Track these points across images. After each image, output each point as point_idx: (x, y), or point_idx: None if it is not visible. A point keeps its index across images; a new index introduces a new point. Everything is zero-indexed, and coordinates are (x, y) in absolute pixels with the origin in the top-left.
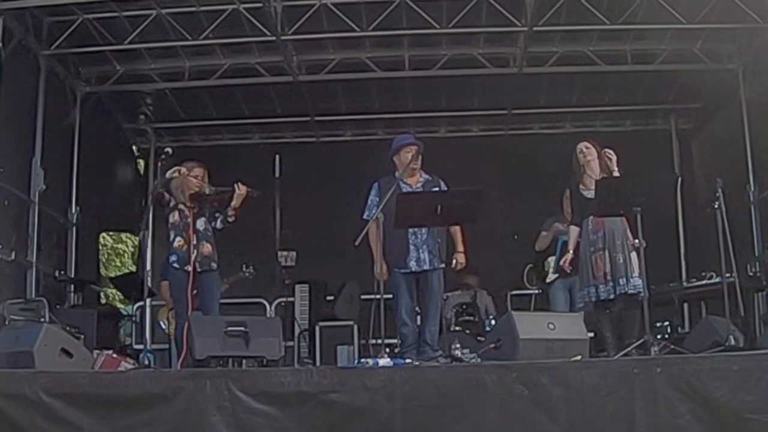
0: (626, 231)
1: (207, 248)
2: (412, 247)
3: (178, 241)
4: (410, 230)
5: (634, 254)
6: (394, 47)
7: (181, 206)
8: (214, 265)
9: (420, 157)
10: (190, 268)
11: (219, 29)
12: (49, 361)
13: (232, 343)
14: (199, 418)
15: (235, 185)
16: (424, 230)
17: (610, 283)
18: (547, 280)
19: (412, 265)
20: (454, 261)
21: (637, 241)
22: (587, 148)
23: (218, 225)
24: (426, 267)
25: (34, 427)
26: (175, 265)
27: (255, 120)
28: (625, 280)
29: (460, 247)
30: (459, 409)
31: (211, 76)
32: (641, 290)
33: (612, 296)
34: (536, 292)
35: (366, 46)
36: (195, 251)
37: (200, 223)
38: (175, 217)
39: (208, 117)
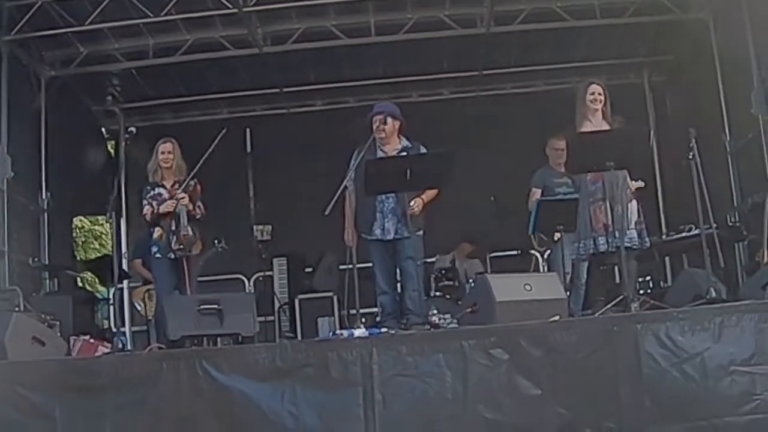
0: (626, 179)
1: (183, 229)
2: (378, 214)
3: (157, 231)
4: (378, 197)
5: (633, 203)
6: (359, 13)
7: (159, 189)
8: (195, 251)
9: (387, 127)
10: (173, 256)
11: (180, 4)
12: (21, 351)
13: (206, 322)
14: (174, 400)
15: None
16: (391, 198)
17: (610, 236)
18: (555, 238)
19: (378, 232)
20: (413, 202)
21: (635, 184)
22: (600, 94)
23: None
24: (390, 237)
25: (5, 419)
26: (158, 255)
27: (224, 95)
28: (624, 232)
29: (424, 195)
30: (437, 377)
31: (175, 53)
32: (635, 244)
33: (609, 249)
34: (540, 250)
35: (330, 14)
36: (174, 237)
37: (179, 208)
38: (154, 203)
39: (177, 94)
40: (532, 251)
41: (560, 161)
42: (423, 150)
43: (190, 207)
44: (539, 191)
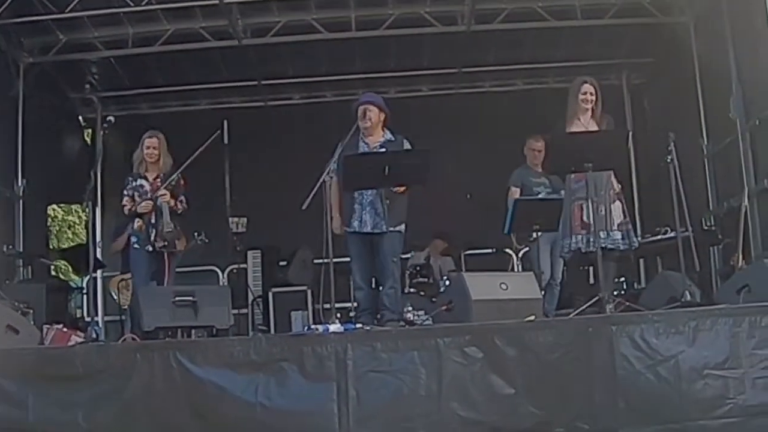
0: (610, 179)
1: (165, 224)
2: (357, 206)
3: (137, 222)
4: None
5: (617, 204)
6: (340, 8)
7: (141, 181)
8: (179, 246)
9: (373, 116)
10: (151, 248)
11: None
12: None
13: (180, 314)
14: (148, 392)
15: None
16: (369, 191)
17: (591, 236)
18: (532, 238)
19: (356, 225)
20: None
21: (618, 186)
22: (592, 94)
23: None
24: (367, 230)
25: None
26: (136, 245)
27: (202, 86)
28: (605, 233)
29: None
30: (412, 374)
31: (155, 43)
32: (619, 245)
33: (590, 248)
34: (519, 248)
35: (311, 8)
36: (154, 230)
37: (159, 198)
38: (135, 194)
39: (155, 84)
40: (507, 250)
41: (537, 162)
42: (406, 143)
43: (172, 203)
44: (518, 190)
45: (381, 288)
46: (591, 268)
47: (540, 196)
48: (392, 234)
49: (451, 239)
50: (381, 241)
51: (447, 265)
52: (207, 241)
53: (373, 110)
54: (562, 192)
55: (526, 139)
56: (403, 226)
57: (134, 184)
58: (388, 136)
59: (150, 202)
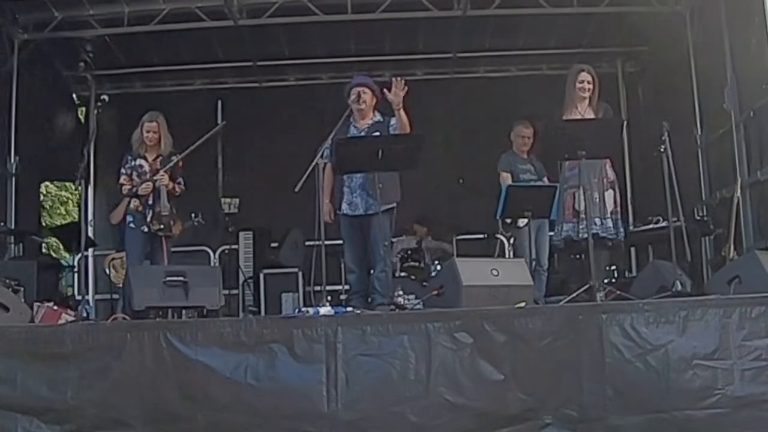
0: (605, 168)
1: (163, 208)
2: (346, 190)
3: (134, 203)
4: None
5: (610, 192)
6: None
7: (140, 161)
8: (175, 231)
9: (367, 98)
10: (146, 229)
11: None
12: None
13: (171, 294)
14: (137, 371)
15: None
16: (359, 174)
17: (583, 223)
18: (519, 225)
19: (345, 208)
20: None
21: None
22: (589, 82)
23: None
24: (359, 212)
25: None
26: (131, 225)
27: (196, 66)
28: (599, 220)
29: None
30: (401, 358)
31: (150, 22)
32: (611, 234)
33: (582, 236)
34: (506, 235)
35: None
36: (151, 211)
37: (158, 181)
38: (134, 174)
39: (149, 63)
40: (498, 235)
41: (524, 148)
42: (393, 120)
43: (170, 186)
44: (509, 175)
45: (372, 271)
46: (582, 256)
47: (525, 181)
48: (383, 215)
49: (433, 224)
50: (372, 223)
51: (439, 252)
52: (203, 222)
53: (367, 92)
54: (545, 179)
55: (514, 123)
56: (394, 205)
57: (133, 163)
58: (378, 117)
59: (150, 183)
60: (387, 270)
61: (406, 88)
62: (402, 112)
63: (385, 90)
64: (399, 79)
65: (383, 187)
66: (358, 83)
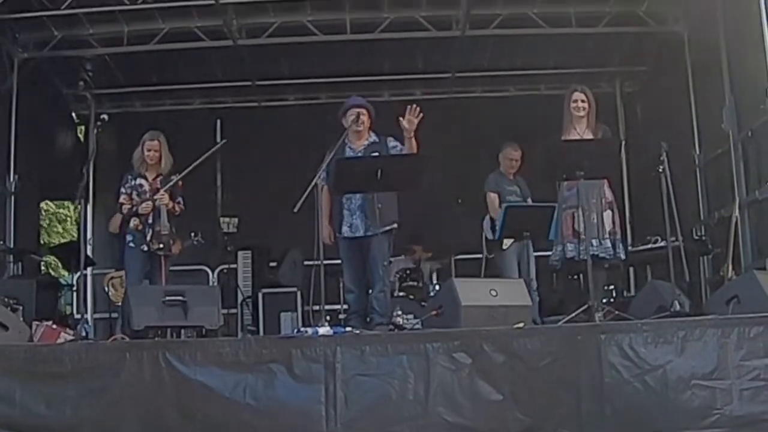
0: (603, 188)
1: (163, 227)
2: (345, 212)
3: (134, 222)
4: (345, 195)
5: (608, 213)
6: (336, 10)
7: (140, 180)
8: (175, 251)
9: (365, 120)
10: (146, 248)
11: None
12: None
13: (170, 313)
14: (136, 391)
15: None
16: (358, 195)
17: (582, 244)
18: (504, 247)
19: (345, 230)
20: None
21: (611, 195)
22: (582, 101)
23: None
24: (359, 234)
25: None
26: (131, 244)
27: (196, 85)
28: (597, 241)
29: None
30: (400, 378)
31: (150, 41)
32: (610, 255)
33: (581, 256)
34: (488, 256)
35: (307, 9)
36: (151, 231)
37: (158, 200)
38: (133, 193)
39: (149, 82)
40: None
41: (512, 170)
42: (392, 141)
43: (170, 205)
44: (496, 196)
45: (370, 291)
46: (580, 276)
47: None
48: (382, 236)
49: (426, 244)
50: (371, 244)
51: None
52: (203, 242)
53: (365, 114)
54: (529, 199)
55: (503, 145)
56: (394, 226)
57: (133, 183)
58: (373, 138)
59: (150, 203)
60: (385, 290)
61: (421, 115)
62: (413, 139)
63: (400, 118)
64: (414, 106)
65: (382, 209)
66: (356, 104)
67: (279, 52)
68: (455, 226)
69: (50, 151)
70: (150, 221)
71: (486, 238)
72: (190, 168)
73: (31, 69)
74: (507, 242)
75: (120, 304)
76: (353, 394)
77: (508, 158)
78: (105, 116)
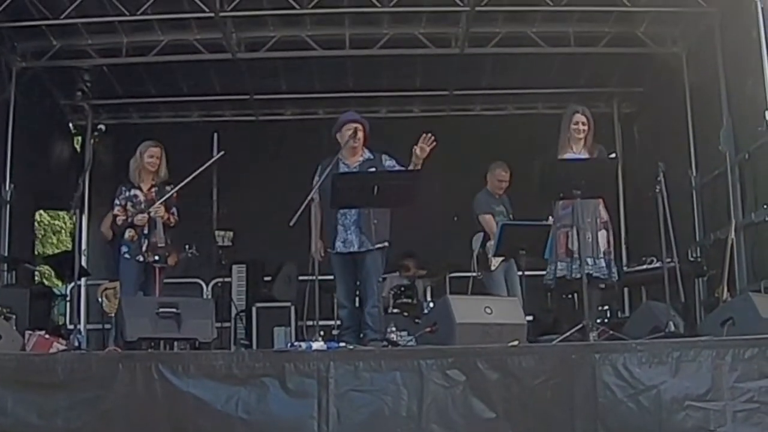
0: (598, 208)
1: (159, 239)
2: (340, 228)
3: (129, 233)
4: (340, 210)
5: (603, 233)
6: (335, 25)
7: (135, 191)
8: (171, 262)
9: (361, 135)
10: (141, 259)
11: (157, 5)
12: None
13: (163, 325)
14: (128, 402)
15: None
16: (353, 210)
17: (576, 262)
18: (492, 268)
19: (339, 246)
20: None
21: (606, 215)
22: (584, 124)
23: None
24: (353, 249)
25: None
26: (126, 256)
27: (194, 98)
28: (592, 260)
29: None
30: (393, 394)
31: (149, 53)
32: (605, 275)
33: (575, 275)
34: (476, 275)
35: (306, 24)
36: (146, 241)
37: (154, 211)
38: (128, 204)
39: (147, 94)
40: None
41: (499, 191)
42: (387, 158)
43: (166, 217)
44: (491, 216)
45: (364, 307)
46: (574, 295)
47: (499, 220)
48: (375, 252)
49: (423, 261)
50: (364, 260)
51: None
52: (198, 254)
53: (361, 130)
54: (510, 216)
55: (492, 165)
56: (386, 244)
57: (128, 194)
58: (368, 154)
59: (146, 215)
60: (378, 306)
61: (435, 143)
62: (419, 166)
63: (414, 147)
64: (429, 135)
65: (377, 225)
66: (352, 119)
67: (278, 66)
68: (450, 244)
69: (46, 161)
70: (145, 232)
71: (476, 257)
72: (188, 179)
73: (28, 78)
74: (495, 262)
75: (113, 315)
76: (346, 409)
77: (497, 178)
78: (102, 126)
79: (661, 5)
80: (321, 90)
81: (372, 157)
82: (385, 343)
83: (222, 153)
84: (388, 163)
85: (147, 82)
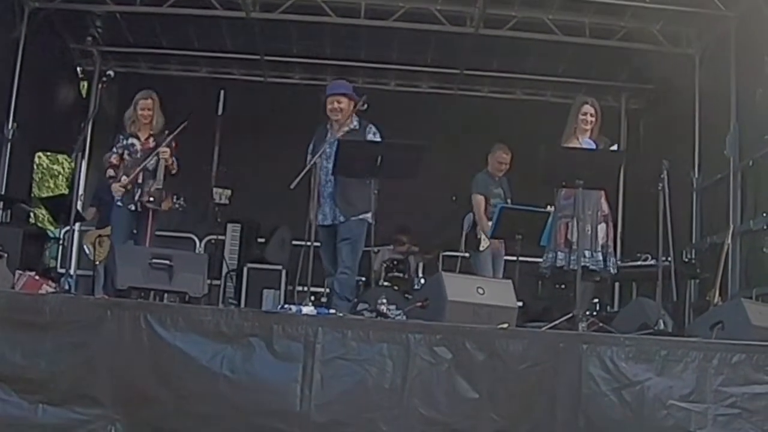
0: (600, 201)
1: (157, 182)
2: (322, 200)
3: (124, 180)
4: (323, 182)
5: (602, 226)
6: None
7: (132, 140)
8: (164, 206)
9: (345, 108)
10: (133, 207)
11: None
12: None
13: (155, 276)
14: (113, 350)
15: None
16: (330, 183)
17: (573, 253)
18: (481, 248)
19: (320, 218)
20: None
21: (607, 208)
22: (592, 115)
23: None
24: (327, 222)
25: None
26: (119, 203)
27: (203, 53)
28: (590, 253)
29: None
30: (379, 366)
31: (163, 3)
32: (600, 267)
33: (571, 266)
34: (465, 255)
35: None
36: (139, 190)
37: (151, 162)
38: (125, 152)
39: (157, 45)
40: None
41: (499, 173)
42: (372, 129)
43: (170, 161)
44: (483, 199)
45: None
46: (566, 286)
47: (497, 203)
48: (350, 223)
49: (418, 237)
50: (338, 231)
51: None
52: (185, 205)
53: (343, 101)
54: (509, 200)
55: (494, 146)
56: (367, 215)
57: (125, 142)
58: (354, 124)
59: (154, 158)
60: (348, 272)
61: None
62: None
63: None
64: None
65: (351, 197)
66: (334, 92)
67: (290, 29)
68: (446, 223)
69: (51, 104)
70: (140, 181)
71: (465, 236)
72: (180, 128)
73: (40, 20)
74: (484, 244)
75: (99, 263)
76: (330, 376)
77: (497, 160)
78: (111, 73)
79: (679, 4)
80: (331, 57)
81: (357, 127)
82: (374, 314)
83: (185, 123)
84: (370, 135)
85: (158, 33)
